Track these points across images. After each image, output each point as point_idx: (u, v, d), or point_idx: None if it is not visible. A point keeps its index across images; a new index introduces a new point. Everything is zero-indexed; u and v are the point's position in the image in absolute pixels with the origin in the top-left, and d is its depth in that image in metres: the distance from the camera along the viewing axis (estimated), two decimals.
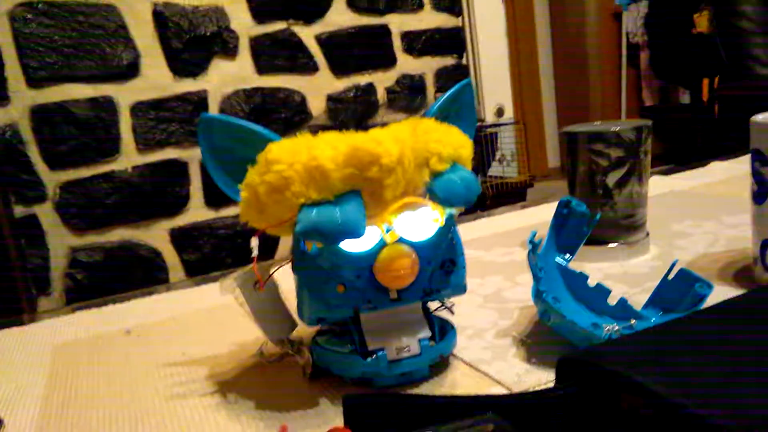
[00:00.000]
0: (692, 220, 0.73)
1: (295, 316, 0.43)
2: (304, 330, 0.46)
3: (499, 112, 2.44)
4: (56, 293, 1.70)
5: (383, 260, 0.37)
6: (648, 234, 0.64)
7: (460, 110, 0.45)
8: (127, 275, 1.71)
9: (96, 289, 1.67)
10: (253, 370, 0.46)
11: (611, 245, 0.62)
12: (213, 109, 1.78)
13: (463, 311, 0.49)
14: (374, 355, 0.39)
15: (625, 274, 0.58)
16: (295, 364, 0.45)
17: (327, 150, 0.36)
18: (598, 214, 0.48)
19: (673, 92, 3.65)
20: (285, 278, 0.45)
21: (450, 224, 0.39)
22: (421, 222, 0.38)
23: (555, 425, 0.32)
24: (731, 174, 0.98)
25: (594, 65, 3.86)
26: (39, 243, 1.66)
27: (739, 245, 0.62)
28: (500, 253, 0.71)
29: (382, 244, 0.38)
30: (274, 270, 0.41)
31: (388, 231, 0.37)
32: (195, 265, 1.82)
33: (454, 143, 0.39)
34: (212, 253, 1.84)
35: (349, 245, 0.37)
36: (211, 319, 0.60)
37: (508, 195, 2.84)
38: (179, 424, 0.40)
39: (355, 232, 0.35)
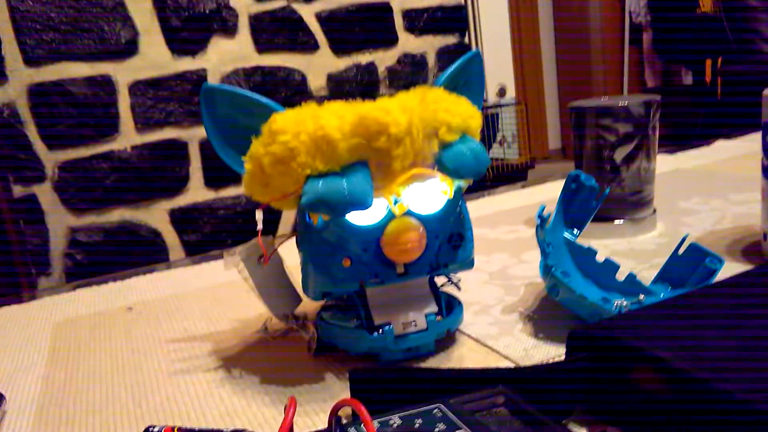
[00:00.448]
0: (699, 197, 0.73)
1: (300, 291, 0.43)
2: (308, 305, 0.45)
3: (501, 92, 2.42)
4: (56, 274, 1.69)
5: (391, 233, 0.37)
6: (655, 211, 0.63)
7: (469, 81, 0.44)
8: (127, 256, 1.70)
9: (96, 269, 1.66)
10: (257, 345, 0.46)
11: (617, 222, 0.61)
12: None
13: (469, 288, 0.48)
14: (380, 330, 0.39)
15: (632, 251, 0.58)
16: (299, 340, 0.44)
17: (333, 119, 0.35)
18: (608, 188, 0.48)
19: (676, 73, 3.62)
20: (289, 253, 0.44)
21: (458, 197, 0.39)
22: (429, 194, 0.38)
23: (566, 398, 0.31)
24: (737, 152, 0.97)
25: (596, 45, 3.82)
26: (38, 223, 1.66)
27: (747, 222, 0.61)
28: (505, 230, 0.70)
29: (390, 217, 0.37)
30: (278, 244, 0.40)
31: (396, 203, 0.36)
32: (195, 246, 1.81)
33: (463, 113, 0.38)
34: (212, 234, 1.83)
35: (355, 218, 0.37)
36: (213, 296, 0.60)
37: (509, 177, 2.83)
38: (183, 399, 0.40)
39: (363, 204, 0.34)
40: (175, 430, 0.33)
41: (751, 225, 0.60)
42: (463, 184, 0.38)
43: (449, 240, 0.40)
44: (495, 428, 0.27)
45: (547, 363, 0.37)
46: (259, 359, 0.44)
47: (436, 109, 0.37)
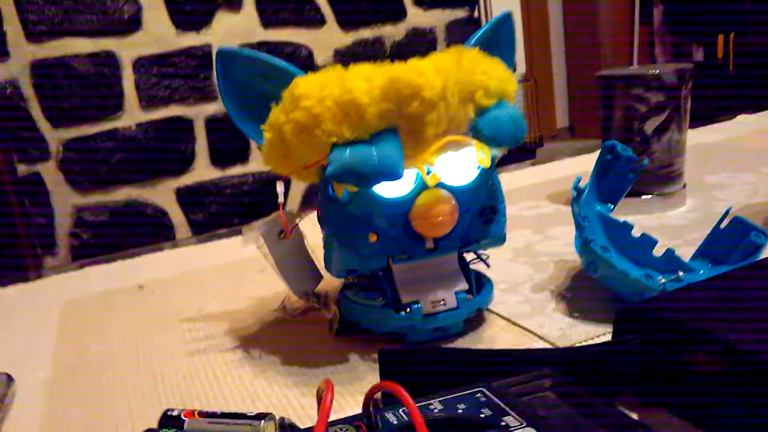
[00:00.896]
0: (727, 171, 0.70)
1: (321, 268, 0.40)
2: (329, 283, 0.43)
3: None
4: (62, 253, 1.68)
5: (421, 206, 0.34)
6: (685, 185, 0.60)
7: (500, 44, 0.41)
8: (133, 235, 1.68)
9: (102, 248, 1.64)
10: (275, 325, 0.44)
11: (646, 197, 0.59)
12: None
13: (494, 265, 0.46)
14: (408, 309, 0.37)
15: (663, 227, 0.55)
16: (319, 320, 0.42)
17: (361, 83, 0.32)
18: (646, 158, 0.45)
19: (687, 49, 3.55)
20: (310, 229, 0.42)
21: (493, 167, 0.36)
22: (462, 164, 0.35)
23: (614, 381, 0.29)
24: (761, 126, 0.94)
25: (605, 22, 3.75)
26: (43, 202, 1.64)
27: None
28: (526, 206, 0.68)
29: (420, 189, 0.34)
30: (300, 218, 0.38)
31: (428, 173, 0.34)
32: (202, 225, 1.79)
33: (500, 76, 0.35)
34: (219, 213, 1.81)
35: (383, 190, 0.34)
36: (227, 274, 0.58)
37: (518, 155, 2.79)
38: (200, 381, 0.38)
39: (393, 174, 0.32)
40: (196, 413, 0.31)
41: None
42: (498, 153, 0.35)
43: (481, 214, 0.37)
44: (544, 413, 0.25)
45: (594, 344, 0.35)
46: (279, 339, 0.42)
47: (473, 71, 0.34)
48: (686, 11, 2.93)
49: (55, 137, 1.63)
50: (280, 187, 0.36)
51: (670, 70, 0.55)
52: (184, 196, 1.77)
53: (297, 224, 0.38)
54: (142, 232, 1.71)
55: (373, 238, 0.35)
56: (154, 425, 0.32)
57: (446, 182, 0.35)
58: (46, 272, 0.67)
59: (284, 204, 0.36)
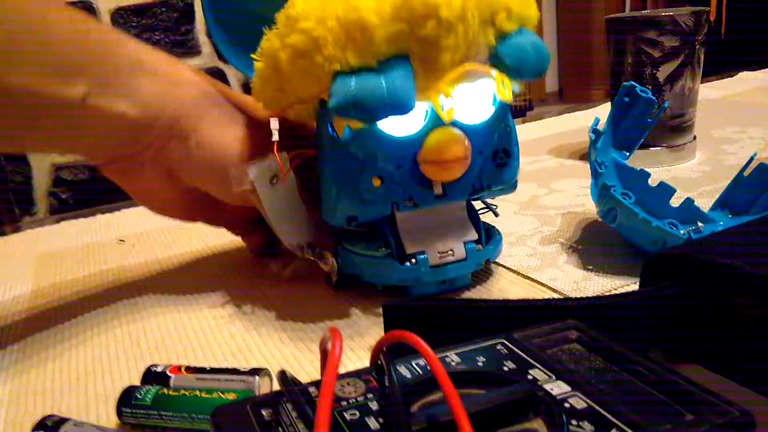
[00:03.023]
0: (734, 126, 0.67)
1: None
2: (325, 234, 0.40)
3: None
4: (40, 213, 1.63)
5: (432, 146, 0.31)
6: (695, 137, 0.58)
7: None
8: (114, 194, 1.63)
9: (82, 207, 1.60)
10: (269, 279, 0.41)
11: (654, 148, 0.56)
12: (200, 17, 1.65)
13: (499, 218, 0.43)
14: (413, 259, 0.34)
15: (674, 179, 0.53)
16: (313, 274, 0.39)
17: (369, 0, 0.28)
18: (666, 101, 0.42)
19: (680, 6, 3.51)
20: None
21: (508, 105, 0.33)
22: (477, 100, 0.32)
23: (644, 335, 0.27)
24: (763, 84, 0.92)
25: None
26: (20, 160, 1.58)
27: None
28: (527, 161, 0.65)
29: (431, 126, 0.31)
30: (295, 160, 0.35)
31: (444, 107, 0.30)
32: None
33: (522, 2, 0.31)
34: None
35: (390, 127, 0.31)
36: (215, 229, 0.54)
37: None
38: (188, 336, 0.35)
39: (405, 107, 0.28)
40: (183, 369, 0.28)
41: None
42: (517, 88, 0.32)
43: (494, 157, 0.34)
44: (573, 366, 0.22)
45: (624, 293, 0.33)
46: (272, 294, 0.39)
47: None
48: None
49: None
50: (274, 124, 0.32)
51: (685, 11, 0.52)
52: None
53: (293, 166, 0.34)
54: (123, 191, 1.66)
55: (376, 182, 0.32)
56: (137, 382, 0.29)
57: (459, 120, 0.32)
58: (22, 226, 0.64)
59: (279, 143, 0.32)
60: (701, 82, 0.65)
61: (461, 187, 0.34)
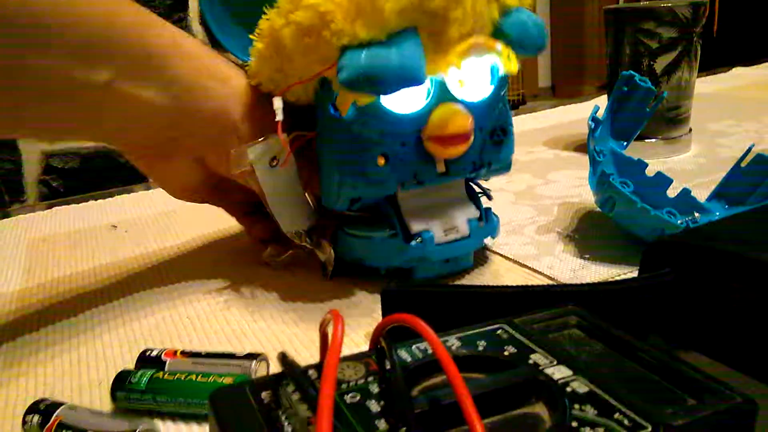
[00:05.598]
0: (729, 120, 0.68)
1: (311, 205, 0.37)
2: (322, 221, 0.40)
3: None
4: (30, 200, 1.61)
5: (438, 121, 0.31)
6: (691, 129, 0.58)
7: None
8: (105, 182, 1.62)
9: (73, 195, 1.58)
10: (263, 266, 0.41)
11: (651, 140, 0.56)
12: (193, 4, 1.64)
13: (495, 207, 0.43)
14: (419, 238, 0.33)
15: (670, 171, 0.53)
16: (308, 262, 0.39)
17: None
18: (665, 91, 0.42)
19: None
20: None
21: (506, 81, 0.33)
22: (478, 76, 0.32)
23: (642, 322, 0.27)
24: (758, 78, 0.92)
25: None
26: (10, 147, 1.56)
27: None
28: (522, 152, 0.64)
29: (436, 102, 0.31)
30: (296, 143, 0.34)
31: (454, 79, 0.30)
32: None
33: None
34: None
35: (395, 104, 0.31)
36: (210, 212, 0.54)
37: None
38: (183, 321, 0.34)
39: (416, 78, 0.28)
40: (178, 353, 0.28)
41: None
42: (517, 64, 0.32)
43: (492, 134, 0.34)
44: (574, 350, 0.22)
45: (623, 279, 0.33)
46: (269, 279, 0.39)
47: None
48: None
49: None
50: (278, 103, 0.32)
51: (684, 2, 0.52)
52: None
53: (293, 149, 0.34)
54: (114, 177, 1.65)
55: (381, 161, 0.32)
56: (132, 368, 0.28)
57: (462, 97, 0.32)
58: (13, 212, 0.63)
59: (283, 123, 0.32)
60: (696, 72, 0.65)
61: (463, 165, 0.33)
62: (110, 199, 0.63)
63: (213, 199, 0.41)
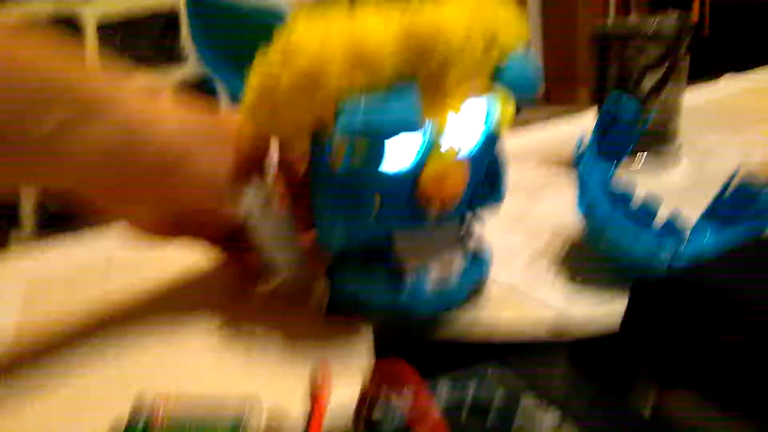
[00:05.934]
0: (718, 133, 0.68)
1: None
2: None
3: None
4: (28, 227, 1.61)
5: (433, 176, 0.31)
6: (680, 145, 0.58)
7: None
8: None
9: (72, 220, 1.58)
10: (258, 303, 0.41)
11: (639, 156, 0.56)
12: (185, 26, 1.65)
13: (487, 232, 0.44)
14: (414, 277, 0.33)
15: (661, 186, 0.53)
16: (304, 299, 0.39)
17: (376, 27, 0.28)
18: (652, 111, 0.42)
19: (663, 13, 3.54)
20: None
21: (500, 126, 0.33)
22: (476, 122, 0.32)
23: (631, 362, 0.27)
24: (748, 87, 0.93)
25: None
26: None
27: None
28: (514, 171, 0.64)
29: (428, 153, 0.31)
30: (288, 186, 0.34)
31: (450, 126, 0.30)
32: None
33: (516, 19, 0.32)
34: None
35: (389, 155, 0.30)
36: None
37: None
38: (176, 364, 0.34)
39: (413, 124, 0.29)
40: (170, 399, 0.28)
41: None
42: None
43: (486, 175, 0.34)
44: (565, 392, 0.22)
45: (609, 319, 0.33)
46: (261, 315, 0.39)
47: (497, 11, 0.30)
48: None
49: None
50: (271, 148, 0.32)
51: (669, 20, 0.52)
52: None
53: (285, 194, 0.34)
54: None
55: (374, 207, 0.32)
56: (125, 413, 0.28)
57: (457, 144, 0.32)
58: (11, 245, 0.63)
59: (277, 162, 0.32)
60: (685, 88, 0.66)
61: (458, 206, 0.33)
62: (107, 230, 0.63)
63: (186, 233, 0.41)
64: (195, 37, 0.34)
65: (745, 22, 2.76)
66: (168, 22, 1.65)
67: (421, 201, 0.32)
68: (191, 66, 1.68)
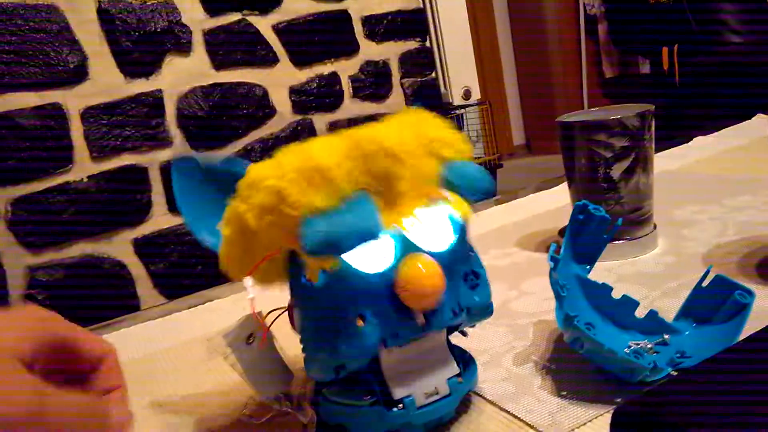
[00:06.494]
0: (693, 205, 0.70)
1: (292, 367, 0.38)
2: (301, 382, 0.40)
3: (467, 95, 2.38)
4: None
5: (407, 273, 0.32)
6: (655, 226, 0.60)
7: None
8: (91, 292, 1.61)
9: (59, 310, 1.57)
10: (242, 427, 0.41)
11: (617, 242, 0.58)
12: (170, 110, 1.68)
13: (471, 329, 0.44)
14: (401, 404, 0.34)
15: (639, 274, 0.54)
16: (288, 423, 0.39)
17: (322, 149, 0.31)
18: (620, 219, 0.44)
19: (633, 62, 3.66)
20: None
21: (466, 227, 0.35)
22: (437, 227, 0.34)
23: None
24: (717, 149, 0.95)
25: (553, 39, 3.85)
26: None
27: (752, 231, 0.58)
28: (496, 255, 0.66)
29: (401, 256, 0.32)
30: (273, 320, 0.35)
31: (413, 232, 0.33)
32: (163, 276, 1.73)
33: (455, 134, 0.35)
34: (180, 262, 1.76)
35: (363, 264, 0.32)
36: (189, 356, 0.54)
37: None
38: None
39: (373, 232, 0.31)
40: None
41: (757, 236, 0.57)
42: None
43: (464, 279, 0.35)
44: None
45: None
46: None
47: (432, 125, 0.35)
48: (629, 26, 3.01)
49: (2, 197, 1.56)
50: (248, 281, 0.33)
51: (631, 113, 0.54)
52: (143, 247, 1.71)
53: (269, 327, 0.35)
54: (100, 285, 1.64)
55: (359, 323, 0.32)
56: None
57: (426, 247, 0.33)
58: None
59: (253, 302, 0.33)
60: (656, 152, 0.68)
61: (442, 314, 0.34)
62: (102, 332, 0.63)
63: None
64: (177, 193, 0.35)
65: (714, 71, 2.84)
66: (152, 107, 1.68)
67: (404, 301, 0.32)
68: (176, 147, 1.71)
